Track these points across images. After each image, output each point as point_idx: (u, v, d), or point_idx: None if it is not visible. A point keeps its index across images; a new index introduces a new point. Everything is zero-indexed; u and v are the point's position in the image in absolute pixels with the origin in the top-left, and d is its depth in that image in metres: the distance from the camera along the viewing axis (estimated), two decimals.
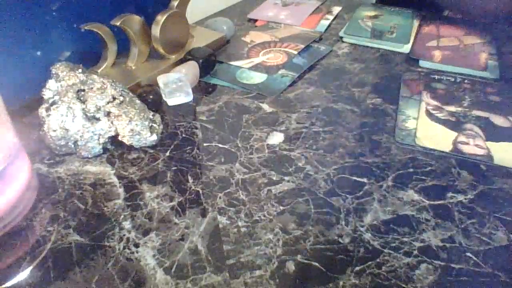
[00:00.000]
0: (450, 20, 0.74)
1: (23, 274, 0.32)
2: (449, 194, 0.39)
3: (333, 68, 0.60)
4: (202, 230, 0.36)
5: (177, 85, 0.51)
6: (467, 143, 0.45)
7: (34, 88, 0.44)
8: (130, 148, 0.45)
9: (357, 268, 0.33)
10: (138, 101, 0.45)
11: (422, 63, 0.61)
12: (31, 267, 0.33)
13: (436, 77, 0.57)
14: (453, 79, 0.57)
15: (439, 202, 0.39)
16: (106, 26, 0.50)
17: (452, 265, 0.33)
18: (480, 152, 0.44)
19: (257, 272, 0.32)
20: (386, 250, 0.34)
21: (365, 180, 0.41)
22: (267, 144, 0.45)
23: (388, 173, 0.42)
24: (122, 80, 0.50)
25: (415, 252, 0.34)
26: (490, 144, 0.45)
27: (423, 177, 0.41)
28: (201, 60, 0.56)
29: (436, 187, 0.40)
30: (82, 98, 0.42)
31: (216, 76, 0.58)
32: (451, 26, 0.71)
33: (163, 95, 0.51)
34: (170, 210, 0.38)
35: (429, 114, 0.50)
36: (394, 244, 0.35)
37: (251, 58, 0.62)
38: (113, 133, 0.43)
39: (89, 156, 0.43)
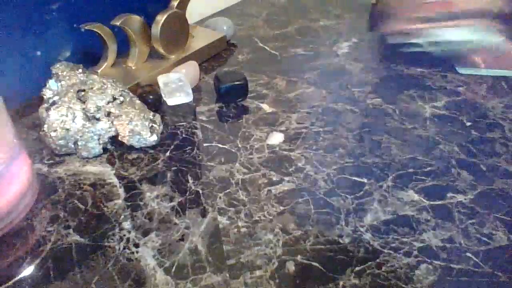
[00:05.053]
0: None
1: (23, 274, 0.32)
2: (449, 194, 0.39)
3: (333, 68, 0.60)
4: (202, 231, 0.36)
5: (177, 85, 0.51)
6: None
7: (34, 88, 0.44)
8: (130, 148, 0.45)
9: (357, 268, 0.33)
10: (138, 101, 0.45)
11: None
12: (31, 267, 0.33)
13: None
14: None
15: (439, 202, 0.39)
16: (106, 26, 0.50)
17: (452, 265, 0.33)
18: None
19: (257, 272, 0.32)
20: (386, 250, 0.34)
21: (365, 180, 0.41)
22: (267, 144, 0.45)
23: (388, 173, 0.42)
24: (122, 80, 0.50)
25: (415, 252, 0.34)
26: None
27: (423, 177, 0.41)
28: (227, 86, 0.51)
29: (436, 187, 0.40)
30: (82, 98, 0.42)
31: None
32: None
33: (163, 95, 0.51)
34: (170, 210, 0.38)
35: None
36: (394, 245, 0.35)
37: None
38: (113, 133, 0.43)
39: (89, 156, 0.43)
